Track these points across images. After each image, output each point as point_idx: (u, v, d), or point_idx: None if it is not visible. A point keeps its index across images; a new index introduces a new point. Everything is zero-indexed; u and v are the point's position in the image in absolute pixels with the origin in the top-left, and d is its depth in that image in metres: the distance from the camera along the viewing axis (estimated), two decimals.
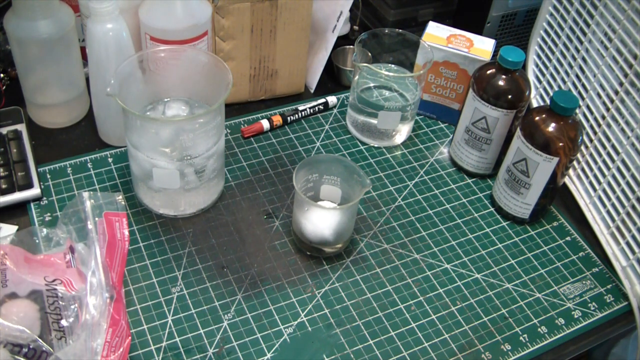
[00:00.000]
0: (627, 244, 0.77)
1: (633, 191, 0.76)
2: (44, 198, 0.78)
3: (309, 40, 0.93)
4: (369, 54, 0.91)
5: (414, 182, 0.87)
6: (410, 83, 0.91)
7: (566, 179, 0.87)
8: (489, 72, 0.81)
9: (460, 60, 0.88)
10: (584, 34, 0.85)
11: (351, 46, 1.03)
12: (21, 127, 0.83)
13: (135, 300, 0.70)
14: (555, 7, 0.91)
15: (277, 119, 0.91)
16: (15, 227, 0.75)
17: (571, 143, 0.76)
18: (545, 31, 0.93)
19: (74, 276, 0.64)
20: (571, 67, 0.88)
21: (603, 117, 0.82)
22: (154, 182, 0.74)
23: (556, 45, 0.91)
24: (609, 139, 0.80)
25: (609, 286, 0.78)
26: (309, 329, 0.70)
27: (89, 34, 0.75)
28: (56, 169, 0.82)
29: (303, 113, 0.93)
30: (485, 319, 0.73)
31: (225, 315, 0.70)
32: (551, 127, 0.75)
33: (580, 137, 0.76)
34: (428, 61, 0.86)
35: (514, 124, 0.82)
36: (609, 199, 0.80)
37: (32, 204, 0.77)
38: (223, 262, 0.74)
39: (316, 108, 0.94)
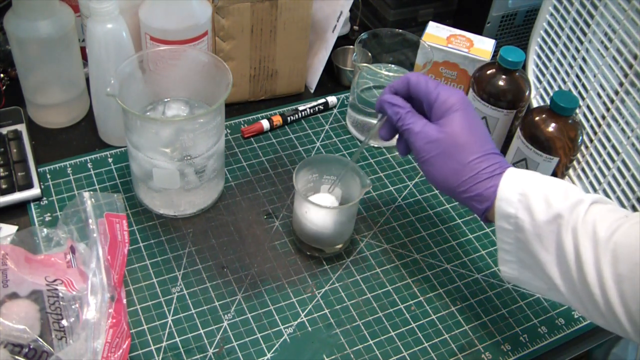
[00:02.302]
0: None
1: (633, 191, 0.76)
2: (44, 198, 0.78)
3: (309, 40, 0.93)
4: (369, 54, 0.91)
5: (414, 182, 0.87)
6: None
7: (566, 179, 0.87)
8: (489, 72, 0.81)
9: (460, 60, 0.88)
10: (584, 34, 0.85)
11: (351, 46, 1.03)
12: (21, 127, 0.83)
13: (135, 300, 0.70)
14: (555, 7, 0.91)
15: (277, 119, 0.91)
16: (15, 227, 0.75)
17: (571, 143, 0.76)
18: (545, 31, 0.93)
19: (74, 276, 0.64)
20: (571, 67, 0.88)
21: (603, 117, 0.82)
22: (154, 182, 0.74)
23: (556, 45, 0.91)
24: (609, 139, 0.80)
25: None
26: (309, 329, 0.70)
27: (89, 34, 0.75)
28: (56, 169, 0.82)
29: (303, 113, 0.93)
30: (485, 319, 0.73)
31: (225, 315, 0.70)
32: (551, 127, 0.75)
33: (580, 137, 0.76)
34: (428, 61, 0.86)
35: (514, 124, 0.82)
36: (610, 199, 0.80)
37: (32, 204, 0.77)
38: (223, 262, 0.74)
39: (316, 108, 0.94)
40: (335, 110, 0.96)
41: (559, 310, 0.74)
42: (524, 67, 0.96)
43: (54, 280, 0.63)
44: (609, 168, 0.80)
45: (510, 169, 0.62)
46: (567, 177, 0.87)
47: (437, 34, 0.90)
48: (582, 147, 0.85)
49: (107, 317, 0.62)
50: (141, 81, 0.77)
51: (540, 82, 0.95)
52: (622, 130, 0.78)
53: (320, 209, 0.73)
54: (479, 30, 0.99)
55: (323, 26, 0.97)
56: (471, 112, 0.64)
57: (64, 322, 0.60)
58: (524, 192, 0.59)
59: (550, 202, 0.57)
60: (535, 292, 0.71)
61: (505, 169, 0.62)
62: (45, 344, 0.58)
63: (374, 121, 0.88)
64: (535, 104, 0.95)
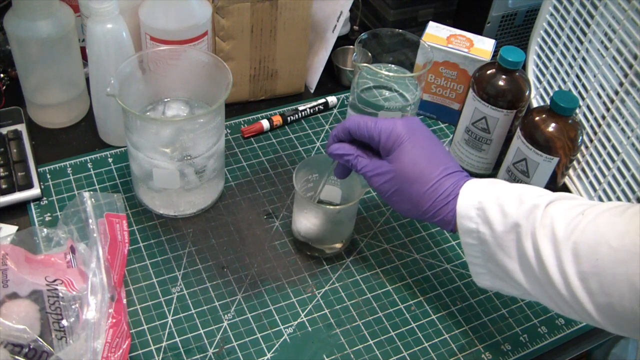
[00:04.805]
0: None
1: (633, 191, 0.76)
2: (44, 198, 0.78)
3: (309, 40, 0.93)
4: (369, 54, 0.91)
5: None
6: (410, 83, 0.91)
7: (566, 179, 0.87)
8: (489, 72, 0.81)
9: (460, 60, 0.88)
10: (584, 34, 0.85)
11: (351, 46, 1.03)
12: (21, 127, 0.83)
13: (135, 300, 0.70)
14: (555, 7, 0.91)
15: (277, 119, 0.91)
16: (15, 227, 0.75)
17: (571, 143, 0.76)
18: (545, 31, 0.93)
19: (74, 276, 0.64)
20: (571, 67, 0.88)
21: (603, 117, 0.82)
22: (154, 182, 0.74)
23: (556, 45, 0.91)
24: (609, 139, 0.80)
25: None
26: (309, 329, 0.70)
27: (89, 34, 0.75)
28: (56, 169, 0.82)
29: (303, 113, 0.93)
30: (485, 319, 0.73)
31: (225, 315, 0.70)
32: (551, 127, 0.75)
33: (580, 137, 0.76)
34: (428, 61, 0.85)
35: (514, 124, 0.82)
36: (610, 199, 0.80)
37: (32, 204, 0.77)
38: (223, 262, 0.74)
39: (316, 108, 0.94)
40: (335, 110, 0.96)
41: None
42: (524, 67, 0.96)
43: (54, 280, 0.63)
44: (609, 168, 0.80)
45: (465, 185, 0.63)
46: (567, 177, 0.87)
47: (437, 34, 0.90)
48: (582, 147, 0.85)
49: (107, 317, 0.62)
50: (141, 81, 0.77)
51: (540, 82, 0.95)
52: (622, 130, 0.78)
53: (320, 209, 0.73)
54: (479, 30, 0.99)
55: (323, 26, 0.97)
56: (419, 138, 0.65)
57: (64, 322, 0.60)
58: (481, 206, 0.60)
59: (506, 212, 0.59)
60: (514, 296, 0.72)
61: (461, 187, 0.62)
62: (45, 344, 0.58)
63: None
64: (535, 104, 0.95)
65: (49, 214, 0.77)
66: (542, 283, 0.57)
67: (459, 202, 0.62)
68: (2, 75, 0.93)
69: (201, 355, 0.66)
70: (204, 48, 0.84)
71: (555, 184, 0.79)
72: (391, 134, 0.64)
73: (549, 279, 0.55)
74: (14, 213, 0.76)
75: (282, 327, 0.69)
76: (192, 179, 0.75)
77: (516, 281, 0.59)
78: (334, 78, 1.01)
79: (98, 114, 0.84)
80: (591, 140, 0.83)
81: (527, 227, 0.57)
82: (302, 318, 0.70)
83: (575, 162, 0.86)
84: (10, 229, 0.74)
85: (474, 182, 0.63)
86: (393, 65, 0.94)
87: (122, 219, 0.71)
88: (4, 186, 0.76)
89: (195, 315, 0.69)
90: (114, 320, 0.62)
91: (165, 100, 0.80)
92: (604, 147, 0.81)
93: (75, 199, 0.74)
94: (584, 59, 0.86)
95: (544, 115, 0.76)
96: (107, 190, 0.80)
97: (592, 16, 0.84)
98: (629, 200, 0.77)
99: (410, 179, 0.63)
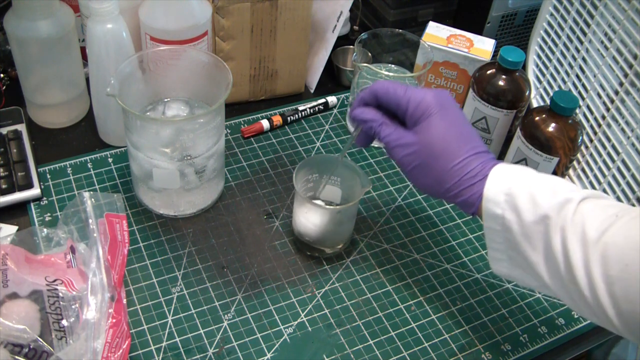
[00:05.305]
0: None
1: (633, 191, 0.76)
2: (44, 198, 0.78)
3: (309, 40, 0.93)
4: (369, 54, 0.91)
5: None
6: (410, 83, 0.91)
7: (566, 179, 0.87)
8: (489, 72, 0.81)
9: (460, 60, 0.88)
10: (584, 34, 0.85)
11: (351, 46, 1.03)
12: (21, 127, 0.83)
13: (135, 300, 0.70)
14: (555, 7, 0.91)
15: (277, 119, 0.91)
16: (15, 227, 0.75)
17: (571, 143, 0.76)
18: (545, 31, 0.93)
19: (74, 276, 0.64)
20: (571, 67, 0.88)
21: (603, 117, 0.82)
22: (154, 182, 0.74)
23: (556, 45, 0.91)
24: (609, 139, 0.80)
25: None
26: (309, 329, 0.70)
27: (89, 34, 0.75)
28: (56, 169, 0.82)
29: (303, 113, 0.93)
30: (485, 319, 0.73)
31: (225, 315, 0.70)
32: (551, 127, 0.75)
33: (580, 137, 0.76)
34: (428, 61, 0.85)
35: (514, 124, 0.82)
36: None
37: (32, 204, 0.77)
38: (223, 262, 0.74)
39: (316, 108, 0.94)
40: (335, 110, 0.96)
41: (559, 310, 0.74)
42: (524, 67, 0.96)
43: (54, 280, 0.63)
44: (609, 168, 0.80)
45: (495, 168, 0.60)
46: (567, 177, 0.87)
47: (437, 34, 0.90)
48: (582, 147, 0.85)
49: (107, 317, 0.62)
50: (141, 81, 0.77)
51: (540, 82, 0.95)
52: (622, 130, 0.78)
53: (320, 209, 0.73)
54: (479, 30, 0.99)
55: (323, 26, 0.97)
56: (448, 112, 0.61)
57: (64, 322, 0.60)
58: (510, 192, 0.57)
59: (537, 202, 0.56)
60: (528, 288, 0.70)
61: (490, 169, 0.60)
62: (45, 344, 0.58)
63: None
64: (535, 104, 0.95)
65: (49, 214, 0.77)
66: (564, 280, 0.55)
67: (487, 185, 0.58)
68: (2, 75, 0.93)
69: (201, 355, 0.66)
70: (204, 48, 0.84)
71: None
72: (420, 103, 0.61)
73: (574, 278, 0.53)
74: (14, 213, 0.76)
75: (282, 327, 0.69)
76: (192, 179, 0.75)
77: (538, 274, 0.57)
78: (334, 78, 1.01)
79: (98, 114, 0.84)
80: (591, 140, 0.84)
81: (557, 221, 0.55)
82: (302, 318, 0.70)
83: (575, 162, 0.86)
84: (10, 229, 0.74)
85: (505, 166, 0.60)
86: (393, 65, 0.94)
87: (122, 219, 0.71)
88: (4, 186, 0.76)
89: (195, 315, 0.69)
90: (114, 320, 0.62)
91: (165, 100, 0.80)
92: (604, 147, 0.81)
93: (75, 199, 0.74)
94: (584, 59, 0.86)
95: (544, 115, 0.76)
96: (107, 190, 0.80)
97: (592, 16, 0.84)
98: (629, 200, 0.77)
99: (436, 153, 0.60)
